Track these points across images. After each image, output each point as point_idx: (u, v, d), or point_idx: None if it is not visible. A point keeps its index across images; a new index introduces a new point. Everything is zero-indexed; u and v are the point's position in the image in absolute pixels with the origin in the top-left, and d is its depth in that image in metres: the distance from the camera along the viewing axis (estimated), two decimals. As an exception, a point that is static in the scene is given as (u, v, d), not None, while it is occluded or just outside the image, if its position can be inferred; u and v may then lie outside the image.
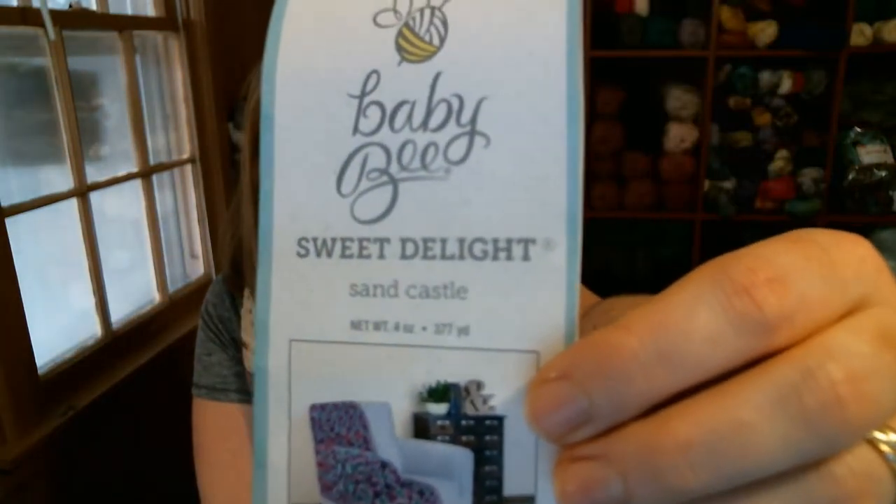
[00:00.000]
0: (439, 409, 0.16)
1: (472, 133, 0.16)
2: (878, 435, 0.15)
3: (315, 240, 0.18)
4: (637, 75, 2.03)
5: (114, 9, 1.51)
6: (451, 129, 0.17)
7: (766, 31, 1.78)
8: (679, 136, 1.90)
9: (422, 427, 0.17)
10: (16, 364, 1.17)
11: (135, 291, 1.61)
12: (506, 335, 0.16)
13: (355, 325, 0.17)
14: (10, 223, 1.17)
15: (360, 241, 0.17)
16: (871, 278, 0.16)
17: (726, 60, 1.86)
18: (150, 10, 1.66)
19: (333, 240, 0.18)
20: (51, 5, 1.25)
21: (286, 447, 0.18)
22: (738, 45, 1.81)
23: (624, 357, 0.14)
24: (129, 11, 1.61)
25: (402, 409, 0.17)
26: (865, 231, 1.98)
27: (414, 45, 0.17)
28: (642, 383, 0.14)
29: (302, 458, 0.18)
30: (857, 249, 0.16)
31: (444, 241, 0.17)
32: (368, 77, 0.18)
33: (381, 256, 0.17)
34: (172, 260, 1.78)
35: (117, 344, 1.47)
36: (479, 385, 0.16)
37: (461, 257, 0.16)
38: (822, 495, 0.14)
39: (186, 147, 1.80)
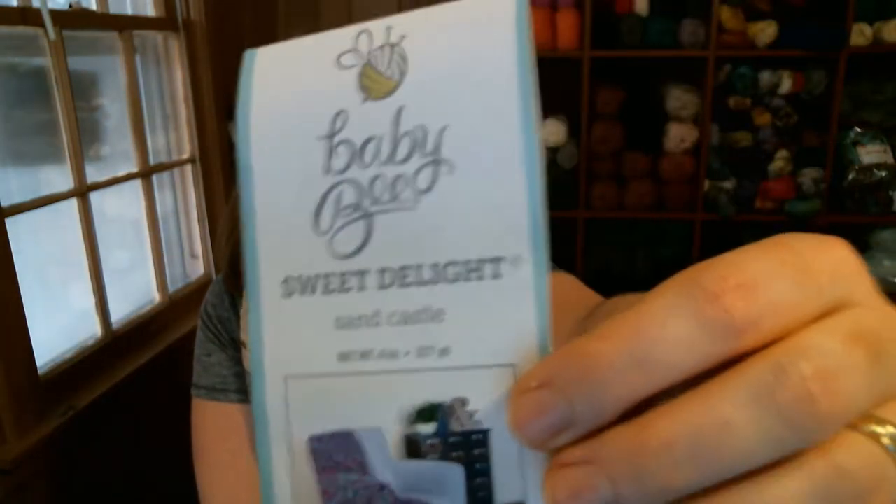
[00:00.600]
0: (428, 428, 0.17)
1: (437, 161, 0.17)
2: (878, 429, 0.15)
3: (299, 278, 0.19)
4: (637, 75, 2.03)
5: (114, 9, 1.51)
6: (417, 159, 0.17)
7: (766, 31, 1.78)
8: (679, 136, 1.90)
9: (413, 447, 0.17)
10: (16, 364, 1.17)
11: (135, 291, 1.61)
12: (483, 351, 0.17)
13: (343, 357, 0.18)
14: (10, 223, 1.17)
15: (341, 275, 0.18)
16: (848, 281, 0.16)
17: (726, 60, 1.86)
18: (150, 10, 1.66)
19: (316, 276, 0.18)
20: (51, 5, 1.25)
21: (289, 479, 0.19)
22: (738, 45, 1.81)
23: (601, 364, 0.15)
24: (129, 11, 1.61)
25: (394, 432, 0.18)
26: (865, 231, 1.98)
27: (376, 82, 0.18)
28: (619, 388, 0.15)
29: (305, 488, 0.18)
30: (835, 252, 0.16)
31: (419, 267, 0.17)
32: (336, 117, 0.18)
33: (362, 288, 0.18)
34: (172, 260, 1.78)
35: (117, 344, 1.47)
36: (464, 402, 0.17)
37: (436, 282, 0.17)
38: (837, 489, 0.15)
39: (186, 147, 1.80)
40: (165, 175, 1.75)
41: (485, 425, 0.17)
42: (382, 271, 0.18)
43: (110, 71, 1.53)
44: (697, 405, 0.15)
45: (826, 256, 0.16)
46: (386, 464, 0.18)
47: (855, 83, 1.90)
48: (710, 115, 1.86)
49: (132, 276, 1.61)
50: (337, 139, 0.18)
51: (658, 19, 1.83)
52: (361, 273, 0.18)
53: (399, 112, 0.18)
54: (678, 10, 1.84)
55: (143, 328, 1.56)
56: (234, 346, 0.79)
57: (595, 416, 0.15)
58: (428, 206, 0.17)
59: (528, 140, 0.16)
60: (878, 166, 1.85)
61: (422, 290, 0.17)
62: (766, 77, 1.84)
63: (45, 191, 1.31)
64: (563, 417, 0.15)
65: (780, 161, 1.86)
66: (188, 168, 1.80)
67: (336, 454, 0.18)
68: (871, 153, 1.86)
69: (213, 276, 0.84)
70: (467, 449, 0.17)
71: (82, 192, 1.38)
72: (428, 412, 0.17)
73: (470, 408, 0.17)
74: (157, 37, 1.69)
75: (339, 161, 0.18)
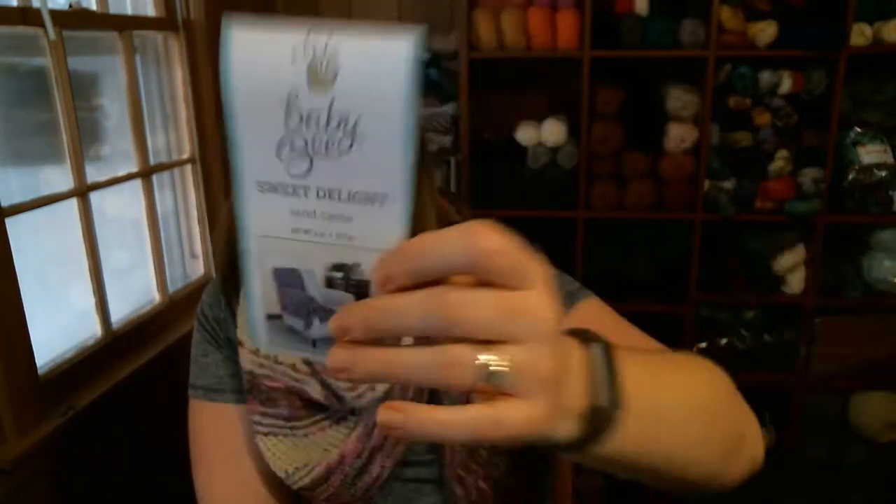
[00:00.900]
0: (338, 275, 0.32)
1: (353, 135, 0.29)
2: (486, 356, 0.30)
3: (267, 182, 0.31)
4: (637, 75, 2.03)
5: (114, 9, 1.51)
6: (342, 132, 0.29)
7: (766, 31, 1.78)
8: (679, 136, 1.90)
9: (329, 283, 0.33)
10: (16, 364, 1.17)
11: (135, 291, 1.62)
12: (371, 242, 0.31)
13: (294, 231, 0.32)
14: (11, 223, 1.17)
15: (293, 186, 0.31)
16: (523, 274, 0.31)
17: (726, 60, 1.86)
18: (149, 10, 1.66)
19: (278, 184, 0.31)
20: (51, 5, 1.25)
21: (261, 286, 0.34)
22: (738, 45, 1.81)
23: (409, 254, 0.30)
24: (128, 11, 1.61)
25: (320, 275, 0.32)
26: (865, 231, 1.98)
27: (316, 79, 0.29)
28: (406, 272, 0.30)
29: (268, 291, 0.34)
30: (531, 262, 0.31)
31: (339, 191, 0.30)
32: (290, 94, 0.29)
33: (306, 196, 0.31)
34: (172, 260, 1.78)
35: (117, 344, 1.47)
36: (359, 265, 0.32)
37: (348, 201, 0.30)
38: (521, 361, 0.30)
39: (186, 147, 1.80)
40: (165, 175, 1.75)
41: (366, 277, 0.32)
42: (318, 189, 0.31)
43: (110, 71, 1.53)
44: (399, 297, 0.30)
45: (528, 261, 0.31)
46: (315, 289, 0.33)
47: (855, 83, 1.90)
48: (710, 115, 1.86)
49: (132, 276, 1.61)
50: (291, 106, 0.29)
51: (658, 19, 1.82)
52: (305, 187, 0.31)
53: (332, 101, 0.29)
54: (678, 10, 1.84)
55: (143, 328, 1.56)
56: (230, 346, 0.79)
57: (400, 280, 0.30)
58: (347, 160, 0.30)
59: (409, 128, 0.28)
60: (879, 166, 1.84)
61: (340, 204, 0.31)
62: (766, 77, 1.84)
63: (46, 191, 1.31)
64: (384, 275, 0.30)
65: (780, 161, 1.86)
66: (188, 168, 1.81)
67: (287, 279, 0.33)
68: (871, 153, 1.86)
69: (214, 276, 0.84)
70: (357, 289, 0.32)
71: (82, 192, 1.38)
72: (339, 267, 0.32)
73: (361, 268, 0.32)
74: (156, 37, 1.69)
75: (293, 121, 0.29)
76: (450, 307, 0.29)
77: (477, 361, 0.29)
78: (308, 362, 0.74)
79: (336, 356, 0.31)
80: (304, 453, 0.75)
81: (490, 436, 0.31)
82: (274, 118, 0.29)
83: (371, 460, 0.75)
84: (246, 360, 0.75)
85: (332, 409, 0.76)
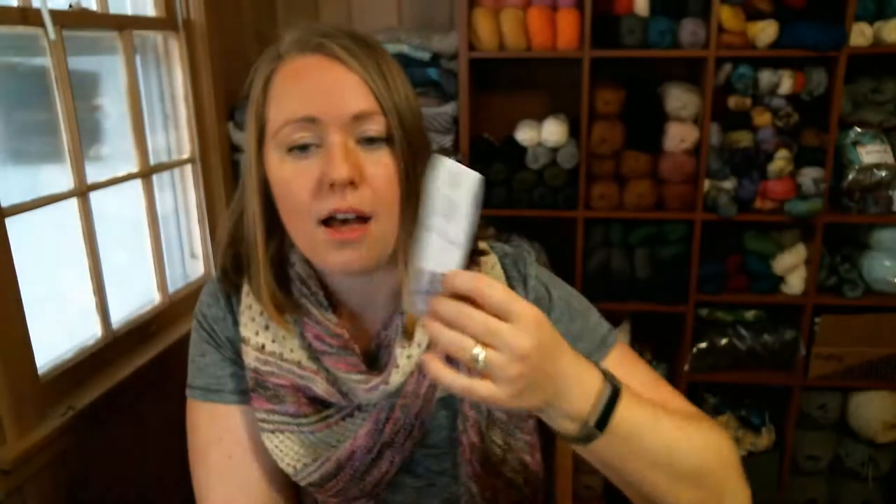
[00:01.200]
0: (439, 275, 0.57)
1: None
2: (476, 350, 0.53)
3: (442, 233, 0.56)
4: (637, 75, 2.03)
5: (114, 9, 1.51)
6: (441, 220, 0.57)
7: (766, 31, 1.78)
8: (679, 135, 1.89)
9: (433, 279, 0.57)
10: (16, 364, 1.17)
11: (135, 291, 1.62)
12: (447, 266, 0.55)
13: (427, 228, 0.56)
14: (10, 223, 1.17)
15: (446, 239, 0.57)
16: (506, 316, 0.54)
17: (726, 60, 1.85)
18: (150, 10, 1.66)
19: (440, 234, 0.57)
20: (51, 5, 1.25)
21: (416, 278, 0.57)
22: (738, 45, 1.80)
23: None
24: (129, 11, 1.61)
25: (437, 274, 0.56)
26: (865, 231, 1.98)
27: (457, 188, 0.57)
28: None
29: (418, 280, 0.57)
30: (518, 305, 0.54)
31: (446, 230, 0.55)
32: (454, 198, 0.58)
33: (430, 228, 0.56)
34: (172, 260, 1.78)
35: (117, 344, 1.47)
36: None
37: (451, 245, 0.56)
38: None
39: (186, 147, 1.80)
40: (165, 175, 1.75)
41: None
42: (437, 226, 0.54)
43: (110, 71, 1.53)
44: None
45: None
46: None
47: (855, 83, 1.90)
48: (709, 114, 1.86)
49: (132, 277, 1.61)
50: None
51: (658, 19, 1.82)
52: (429, 225, 0.54)
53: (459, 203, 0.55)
54: (678, 10, 1.84)
55: (144, 328, 1.56)
56: (229, 345, 0.79)
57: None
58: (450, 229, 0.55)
59: (469, 230, 0.55)
60: (879, 166, 1.84)
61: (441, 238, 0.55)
62: (766, 77, 1.84)
63: (46, 191, 1.31)
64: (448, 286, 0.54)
65: (780, 161, 1.86)
66: (188, 168, 1.81)
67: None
68: (871, 153, 1.86)
69: (212, 276, 0.84)
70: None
71: (82, 192, 1.38)
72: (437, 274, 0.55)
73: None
74: (157, 37, 1.69)
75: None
76: (462, 315, 0.53)
77: (473, 349, 0.52)
78: (313, 360, 0.74)
79: (428, 318, 0.54)
80: (311, 449, 0.75)
81: (467, 395, 0.54)
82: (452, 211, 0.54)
83: (381, 455, 0.75)
84: (251, 358, 0.75)
85: (338, 406, 0.76)
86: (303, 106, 0.65)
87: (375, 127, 0.65)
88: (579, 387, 0.57)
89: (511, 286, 0.76)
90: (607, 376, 0.59)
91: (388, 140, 0.66)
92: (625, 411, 0.57)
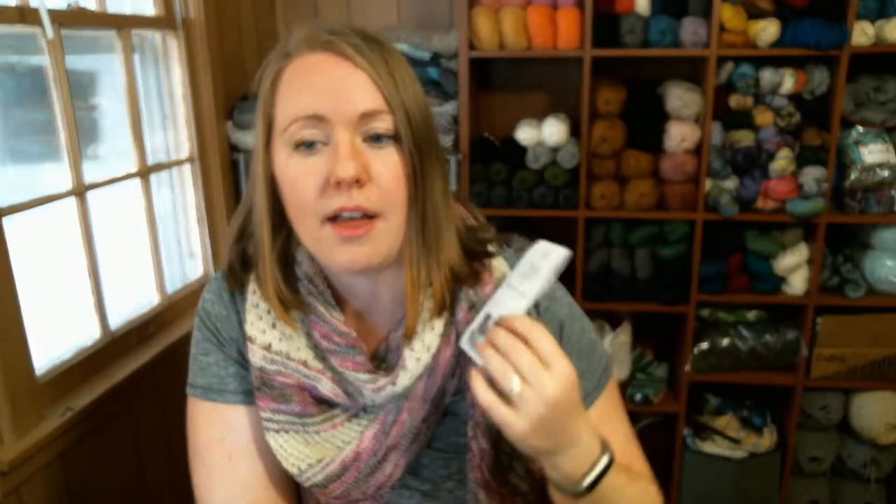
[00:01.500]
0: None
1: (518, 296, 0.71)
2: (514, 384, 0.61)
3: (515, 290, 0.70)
4: (638, 74, 2.02)
5: (112, 8, 1.50)
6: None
7: (767, 31, 1.77)
8: (680, 135, 1.89)
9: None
10: (14, 365, 1.17)
11: (133, 292, 1.61)
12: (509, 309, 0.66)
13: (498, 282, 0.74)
14: (8, 222, 1.16)
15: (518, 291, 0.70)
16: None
17: (728, 59, 1.85)
18: (148, 10, 1.66)
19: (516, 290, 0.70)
20: (49, 4, 1.24)
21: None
22: (739, 45, 1.80)
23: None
24: (127, 10, 1.60)
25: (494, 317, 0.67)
26: (867, 231, 1.97)
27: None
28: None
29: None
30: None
31: (514, 286, 0.68)
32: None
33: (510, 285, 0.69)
34: (171, 260, 1.77)
35: (116, 345, 1.47)
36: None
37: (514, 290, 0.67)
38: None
39: (185, 146, 1.79)
40: (164, 175, 1.75)
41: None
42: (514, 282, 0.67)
43: (109, 70, 1.53)
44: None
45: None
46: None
47: (857, 82, 1.89)
48: (711, 114, 1.85)
49: (130, 277, 1.60)
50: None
51: (659, 18, 1.82)
52: (508, 282, 0.67)
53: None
54: (679, 9, 1.83)
55: (142, 329, 1.56)
56: (233, 344, 0.78)
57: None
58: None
59: (540, 291, 0.66)
60: (881, 166, 1.84)
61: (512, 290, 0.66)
62: (767, 76, 1.84)
63: (43, 190, 1.30)
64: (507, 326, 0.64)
65: (781, 160, 1.85)
66: (186, 168, 1.80)
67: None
68: (873, 153, 1.85)
69: (213, 275, 0.84)
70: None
71: (80, 191, 1.38)
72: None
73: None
74: (155, 36, 1.68)
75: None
76: (515, 349, 0.61)
77: (514, 380, 0.60)
78: (320, 359, 0.74)
79: (485, 344, 0.63)
80: (316, 450, 0.75)
81: (489, 412, 0.62)
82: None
83: (386, 458, 0.75)
84: (257, 357, 0.75)
85: (344, 407, 0.76)
86: (311, 103, 0.64)
87: (383, 125, 0.65)
88: (583, 449, 0.65)
89: None
90: (605, 446, 0.68)
91: (395, 138, 0.66)
92: (610, 476, 0.66)
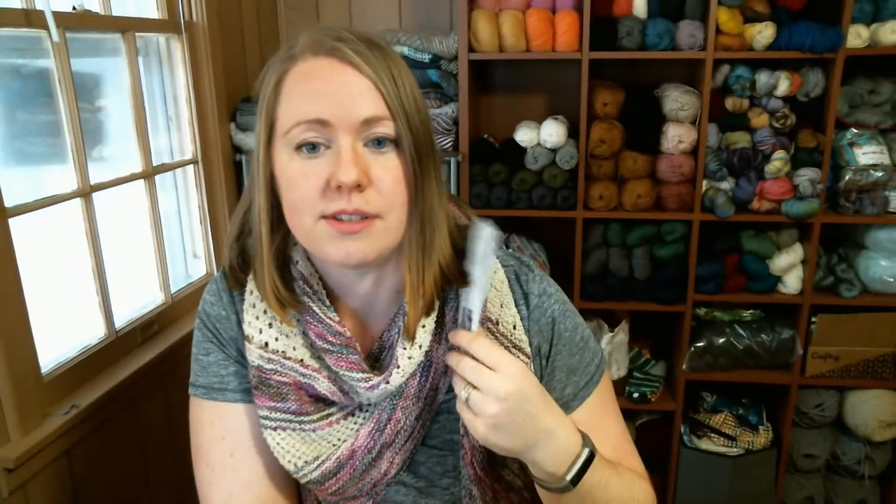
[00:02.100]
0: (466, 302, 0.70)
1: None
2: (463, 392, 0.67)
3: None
4: (636, 77, 2.04)
5: (116, 11, 1.52)
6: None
7: (763, 33, 1.79)
8: (677, 136, 1.91)
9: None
10: (19, 363, 1.18)
11: (138, 291, 1.63)
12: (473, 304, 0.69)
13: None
14: (14, 223, 1.18)
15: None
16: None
17: (724, 62, 1.87)
18: (152, 12, 1.67)
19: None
20: (54, 7, 1.26)
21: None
22: (735, 47, 1.82)
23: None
24: (131, 13, 1.62)
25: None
26: (861, 231, 1.99)
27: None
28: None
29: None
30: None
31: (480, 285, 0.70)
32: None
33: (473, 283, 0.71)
34: (174, 260, 1.79)
35: (120, 343, 1.48)
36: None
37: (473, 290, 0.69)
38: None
39: (189, 148, 1.81)
40: (168, 176, 1.76)
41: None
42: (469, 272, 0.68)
43: (113, 72, 1.54)
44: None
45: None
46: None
47: (852, 85, 1.91)
48: (707, 116, 1.87)
49: (135, 276, 1.62)
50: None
51: (656, 21, 1.84)
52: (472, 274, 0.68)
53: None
54: (676, 12, 1.85)
55: (146, 327, 1.58)
56: (232, 344, 0.79)
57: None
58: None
59: (484, 273, 0.67)
60: (875, 167, 1.86)
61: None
62: (763, 78, 1.85)
63: (49, 191, 1.32)
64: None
65: (777, 162, 1.87)
66: (190, 169, 1.82)
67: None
68: (867, 154, 1.87)
69: (214, 275, 0.85)
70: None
71: (86, 192, 1.39)
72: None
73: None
74: (159, 38, 1.70)
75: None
76: (459, 364, 0.66)
77: (462, 389, 0.66)
78: (316, 358, 0.75)
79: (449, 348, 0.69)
80: (313, 447, 0.76)
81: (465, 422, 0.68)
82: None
83: (381, 456, 0.76)
84: (254, 356, 0.75)
85: (340, 405, 0.77)
86: (314, 108, 0.65)
87: (384, 130, 0.66)
88: (561, 444, 0.67)
89: (517, 302, 0.78)
90: (585, 440, 0.70)
91: (395, 143, 0.67)
92: (594, 471, 0.69)
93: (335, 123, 0.65)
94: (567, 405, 0.79)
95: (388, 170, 0.67)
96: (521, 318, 0.77)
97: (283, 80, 0.68)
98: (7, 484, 1.14)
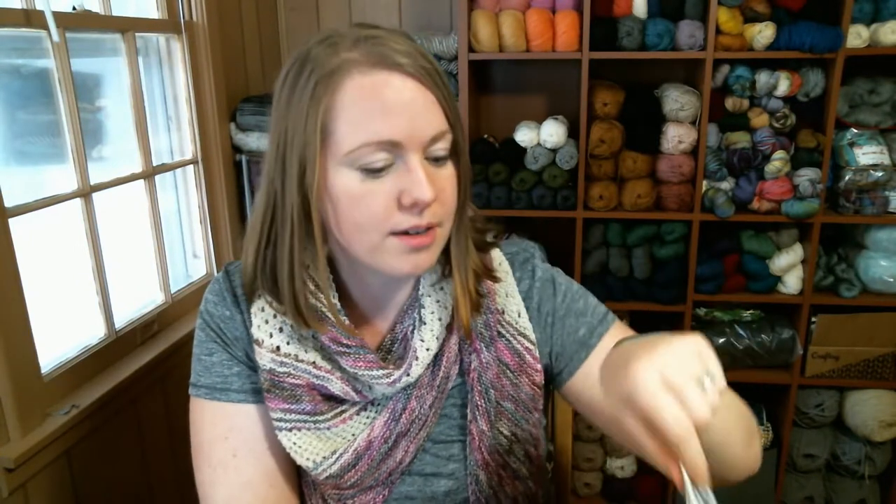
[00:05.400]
0: None
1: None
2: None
3: None
4: (636, 77, 2.04)
5: (116, 11, 1.52)
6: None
7: (763, 33, 1.79)
8: (677, 136, 1.91)
9: None
10: (20, 363, 1.19)
11: (138, 291, 1.63)
12: None
13: None
14: (14, 223, 1.18)
15: None
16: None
17: (724, 62, 1.87)
18: (152, 12, 1.67)
19: None
20: (54, 7, 1.26)
21: None
22: (735, 47, 1.82)
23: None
24: (131, 13, 1.62)
25: None
26: (861, 231, 1.99)
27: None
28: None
29: None
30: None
31: None
32: None
33: None
34: (175, 260, 1.79)
35: (120, 343, 1.49)
36: None
37: None
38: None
39: (189, 148, 1.81)
40: (168, 176, 1.77)
41: None
42: None
43: (113, 72, 1.54)
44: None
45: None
46: None
47: (852, 85, 1.91)
48: (707, 116, 1.87)
49: (135, 276, 1.62)
50: None
51: (656, 21, 1.84)
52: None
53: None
54: (676, 12, 1.85)
55: (146, 327, 1.58)
56: (237, 344, 0.79)
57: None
58: None
59: None
60: (875, 167, 1.86)
61: None
62: (763, 78, 1.85)
63: (49, 191, 1.32)
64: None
65: (777, 162, 1.87)
66: (190, 169, 1.82)
67: None
68: (867, 154, 1.87)
69: (215, 275, 0.85)
70: None
71: (86, 192, 1.39)
72: None
73: None
74: (159, 38, 1.70)
75: None
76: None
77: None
78: (328, 359, 0.76)
79: None
80: (329, 443, 0.76)
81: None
82: None
83: (396, 445, 0.77)
84: (266, 359, 0.75)
85: (352, 402, 0.78)
86: (384, 128, 0.63)
87: (446, 144, 0.67)
88: None
89: (520, 280, 0.83)
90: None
91: (451, 154, 0.69)
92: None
93: (406, 144, 0.64)
94: (585, 344, 0.81)
95: (448, 180, 0.69)
96: (524, 298, 0.81)
97: (340, 91, 0.64)
98: (7, 484, 1.14)
